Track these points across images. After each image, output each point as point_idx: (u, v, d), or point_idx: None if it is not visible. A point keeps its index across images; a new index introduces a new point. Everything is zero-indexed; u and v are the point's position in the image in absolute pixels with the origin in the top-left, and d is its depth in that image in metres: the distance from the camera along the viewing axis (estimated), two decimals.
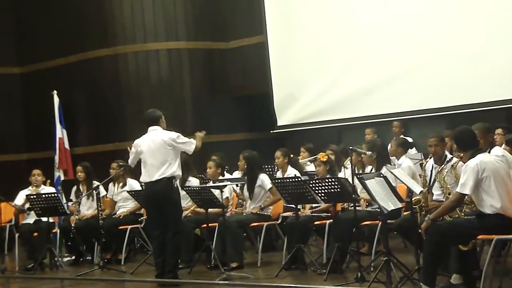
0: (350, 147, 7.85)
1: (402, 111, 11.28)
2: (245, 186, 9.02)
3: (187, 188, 8.79)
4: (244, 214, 8.98)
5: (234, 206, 9.59)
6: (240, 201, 9.44)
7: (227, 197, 9.21)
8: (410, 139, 10.44)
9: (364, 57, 11.77)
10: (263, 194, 8.87)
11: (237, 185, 9.45)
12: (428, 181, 7.08)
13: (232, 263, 8.46)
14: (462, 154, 6.40)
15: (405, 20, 11.43)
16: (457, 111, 10.74)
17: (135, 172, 10.14)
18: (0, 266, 9.79)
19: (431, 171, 7.13)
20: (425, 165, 7.23)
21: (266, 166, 9.96)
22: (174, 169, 7.84)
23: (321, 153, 8.67)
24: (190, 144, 7.96)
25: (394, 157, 8.69)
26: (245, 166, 8.99)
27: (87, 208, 10.13)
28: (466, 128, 6.50)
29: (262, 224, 8.76)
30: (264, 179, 8.84)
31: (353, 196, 7.52)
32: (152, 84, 13.38)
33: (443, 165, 6.92)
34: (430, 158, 7.27)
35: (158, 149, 7.84)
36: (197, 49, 13.61)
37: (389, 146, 8.82)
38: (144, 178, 8.06)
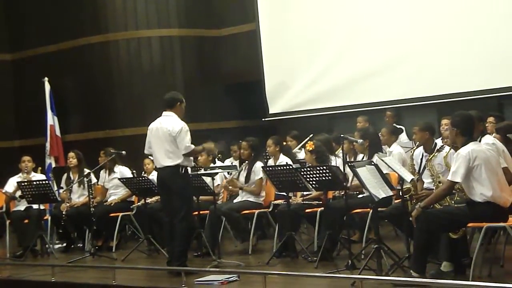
0: (342, 135, 7.86)
1: (394, 99, 11.29)
2: (241, 172, 8.99)
3: None
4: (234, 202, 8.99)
5: (225, 194, 9.60)
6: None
7: (218, 184, 9.19)
8: (402, 128, 10.47)
9: (356, 46, 11.76)
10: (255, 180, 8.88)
11: (229, 173, 9.44)
12: (417, 169, 7.10)
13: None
14: (456, 140, 6.37)
15: (397, 9, 11.43)
16: (449, 99, 10.76)
17: (126, 160, 10.17)
18: None
19: (421, 159, 7.15)
20: (412, 153, 7.26)
21: None
22: (180, 158, 7.58)
23: (309, 141, 8.67)
24: (186, 148, 7.57)
25: (386, 145, 8.70)
26: (252, 154, 8.92)
27: (78, 196, 10.11)
28: (471, 115, 6.52)
29: (254, 212, 8.77)
30: (258, 168, 8.83)
31: (344, 184, 7.53)
32: (144, 71, 13.35)
33: (433, 153, 6.94)
34: (418, 146, 7.29)
35: (163, 137, 7.64)
36: (189, 37, 13.58)
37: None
38: (155, 162, 7.94)
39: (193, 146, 7.69)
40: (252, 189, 8.87)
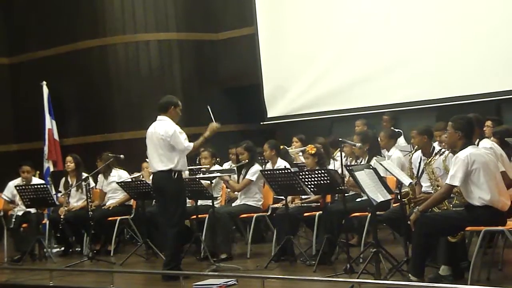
0: (340, 139, 7.87)
1: (392, 103, 11.29)
2: (241, 177, 9.00)
3: None
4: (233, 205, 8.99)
5: (223, 198, 9.59)
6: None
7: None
8: (401, 131, 10.48)
9: (354, 49, 11.77)
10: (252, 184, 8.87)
11: (229, 177, 9.42)
12: (416, 173, 7.10)
13: (222, 254, 8.48)
14: (457, 143, 6.35)
15: (395, 12, 11.44)
16: (447, 103, 10.76)
17: (124, 164, 10.16)
18: None
19: (419, 163, 7.15)
20: (411, 157, 7.26)
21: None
22: (174, 162, 7.57)
23: (310, 145, 8.67)
24: (184, 149, 7.57)
25: (385, 150, 8.68)
26: (249, 157, 8.93)
27: (77, 200, 10.10)
28: (472, 118, 6.52)
29: (252, 216, 8.76)
30: (253, 170, 8.81)
31: (342, 187, 7.53)
32: (142, 75, 13.35)
33: (431, 157, 6.93)
34: (416, 150, 7.30)
35: (157, 141, 7.64)
36: (187, 41, 13.58)
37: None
38: (149, 167, 8.01)
39: (192, 144, 7.68)
40: (235, 184, 8.91)
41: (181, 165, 7.68)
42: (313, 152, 8.40)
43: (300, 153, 10.09)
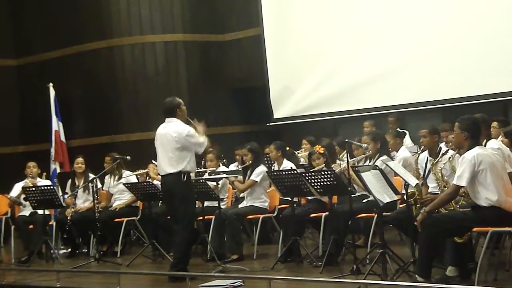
0: (346, 140, 7.86)
1: (399, 103, 11.28)
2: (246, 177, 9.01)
3: None
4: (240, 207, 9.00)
5: (230, 199, 9.59)
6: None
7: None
8: (405, 131, 10.47)
9: (360, 50, 11.76)
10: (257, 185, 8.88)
11: (235, 177, 9.43)
12: (422, 173, 7.09)
13: (233, 255, 8.49)
14: (464, 144, 6.33)
15: (402, 13, 11.43)
16: (453, 104, 10.74)
17: (131, 165, 10.17)
18: None
19: (426, 163, 7.14)
20: (417, 157, 7.25)
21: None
22: (183, 164, 7.58)
23: (317, 145, 8.66)
24: (201, 145, 7.68)
25: (394, 151, 8.63)
26: (252, 158, 8.94)
27: (83, 201, 10.13)
28: (478, 118, 6.51)
29: (258, 217, 8.76)
30: (258, 171, 8.81)
31: (349, 188, 7.52)
32: (148, 76, 13.36)
33: (438, 158, 6.92)
34: (423, 150, 7.28)
35: (167, 143, 7.64)
36: (193, 42, 13.59)
37: None
38: (158, 169, 8.03)
39: (202, 139, 7.73)
40: (239, 185, 8.94)
41: (190, 167, 7.70)
42: (322, 151, 8.40)
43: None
